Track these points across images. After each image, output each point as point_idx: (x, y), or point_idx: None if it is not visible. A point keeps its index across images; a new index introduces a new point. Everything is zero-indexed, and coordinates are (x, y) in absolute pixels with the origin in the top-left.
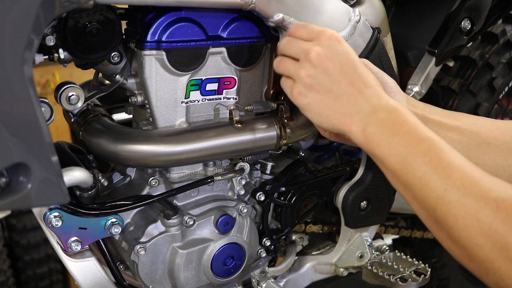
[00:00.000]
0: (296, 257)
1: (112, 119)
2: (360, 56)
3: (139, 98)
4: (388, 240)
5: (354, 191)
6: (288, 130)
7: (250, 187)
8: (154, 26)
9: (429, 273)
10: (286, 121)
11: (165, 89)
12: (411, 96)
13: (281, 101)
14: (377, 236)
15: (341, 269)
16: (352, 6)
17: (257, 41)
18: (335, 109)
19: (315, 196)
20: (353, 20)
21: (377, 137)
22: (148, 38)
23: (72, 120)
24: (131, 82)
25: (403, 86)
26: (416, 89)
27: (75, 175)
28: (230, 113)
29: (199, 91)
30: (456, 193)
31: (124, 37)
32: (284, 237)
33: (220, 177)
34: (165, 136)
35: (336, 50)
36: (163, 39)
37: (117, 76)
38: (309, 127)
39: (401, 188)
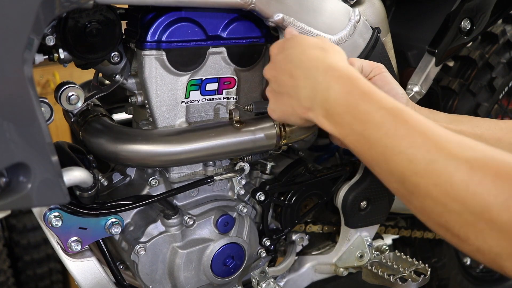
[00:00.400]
0: (296, 257)
1: (112, 119)
2: (360, 56)
3: (139, 98)
4: (388, 240)
5: (354, 191)
6: (288, 130)
7: (250, 187)
8: (154, 26)
9: (429, 273)
10: None
11: (165, 89)
12: (411, 96)
13: None
14: (377, 236)
15: (341, 269)
16: (352, 6)
17: (257, 41)
18: (292, 105)
19: (315, 196)
20: (353, 20)
21: (332, 114)
22: (148, 38)
23: (72, 120)
24: (131, 82)
25: (403, 86)
26: (416, 89)
27: (75, 175)
28: (230, 113)
29: (199, 91)
30: (422, 162)
31: (124, 37)
32: (284, 237)
33: (220, 177)
34: (165, 136)
35: (279, 58)
36: (163, 39)
37: (117, 76)
38: (309, 127)
39: (368, 165)
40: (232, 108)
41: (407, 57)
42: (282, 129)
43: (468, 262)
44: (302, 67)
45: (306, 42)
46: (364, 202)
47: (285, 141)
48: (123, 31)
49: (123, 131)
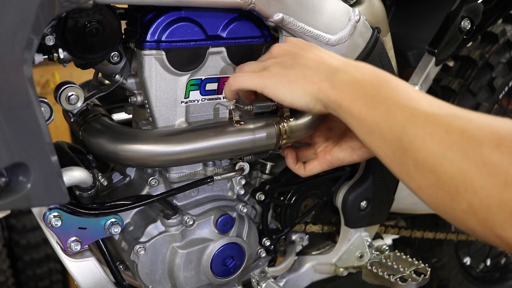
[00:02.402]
0: (296, 257)
1: (111, 119)
2: (360, 55)
3: (139, 98)
4: (388, 240)
5: (354, 191)
6: (288, 130)
7: (250, 187)
8: (154, 26)
9: (429, 273)
10: (286, 120)
11: (165, 89)
12: None
13: None
14: (377, 236)
15: (341, 269)
16: (352, 6)
17: (257, 41)
18: (304, 73)
19: (315, 196)
20: (353, 19)
21: (344, 83)
22: (148, 38)
23: (72, 120)
24: (130, 82)
25: None
26: (416, 88)
27: (75, 175)
28: (230, 112)
29: (198, 91)
30: (423, 114)
31: (123, 37)
32: (284, 237)
33: (220, 177)
34: (164, 136)
35: (293, 41)
36: (163, 38)
37: (117, 76)
38: (310, 126)
39: (366, 132)
40: (231, 108)
41: (407, 57)
42: (282, 129)
43: (468, 262)
44: (326, 54)
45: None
46: (364, 202)
47: (285, 141)
48: (122, 31)
49: (122, 131)
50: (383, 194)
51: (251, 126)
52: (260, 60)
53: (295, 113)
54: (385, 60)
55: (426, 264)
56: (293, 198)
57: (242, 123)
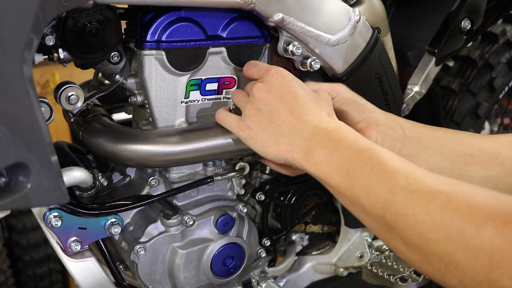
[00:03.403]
0: (296, 257)
1: (111, 119)
2: (360, 55)
3: (139, 98)
4: None
5: None
6: None
7: (250, 187)
8: (154, 26)
9: None
10: None
11: (165, 89)
12: (411, 96)
13: None
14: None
15: (341, 269)
16: (352, 6)
17: (257, 41)
18: (277, 138)
19: (315, 196)
20: (353, 19)
21: (318, 158)
22: (148, 38)
23: (72, 120)
24: (130, 82)
25: (403, 86)
26: (416, 89)
27: (75, 175)
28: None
29: (199, 91)
30: (402, 192)
31: (123, 37)
32: (284, 237)
33: (220, 177)
34: (164, 136)
35: (277, 83)
36: (163, 39)
37: (117, 76)
38: None
39: (349, 204)
40: (231, 108)
41: (407, 57)
42: None
43: None
44: (303, 109)
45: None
46: None
47: None
48: (122, 31)
49: (122, 131)
50: None
51: None
52: (246, 89)
53: None
54: (385, 60)
55: None
56: (293, 198)
57: None
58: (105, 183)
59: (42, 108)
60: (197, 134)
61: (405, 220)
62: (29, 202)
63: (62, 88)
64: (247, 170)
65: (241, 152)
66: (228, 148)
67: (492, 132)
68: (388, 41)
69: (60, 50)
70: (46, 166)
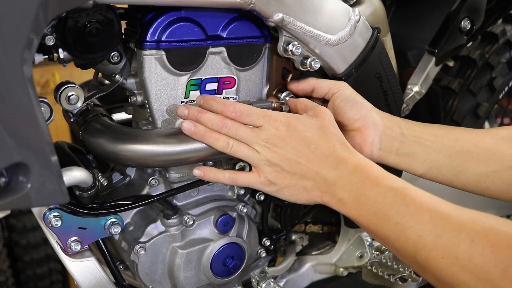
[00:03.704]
0: (296, 257)
1: (111, 119)
2: (360, 55)
3: (139, 98)
4: None
5: None
6: None
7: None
8: (154, 26)
9: None
10: None
11: (165, 89)
12: (411, 96)
13: (282, 101)
14: None
15: (341, 269)
16: (352, 5)
17: (257, 41)
18: (304, 186)
19: None
20: (352, 19)
21: (346, 202)
22: (148, 38)
23: (72, 120)
24: (130, 82)
25: (403, 86)
26: (416, 89)
27: (75, 175)
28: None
29: (198, 91)
30: (430, 235)
31: (123, 37)
32: (284, 237)
33: None
34: (165, 136)
35: (286, 135)
36: (163, 38)
37: (117, 76)
38: None
39: (381, 242)
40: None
41: (407, 57)
42: None
43: None
44: (318, 154)
45: (314, 124)
46: None
47: None
48: (122, 31)
49: (122, 131)
50: None
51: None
52: (256, 136)
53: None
54: (385, 60)
55: None
56: None
57: None
58: (105, 183)
59: (42, 108)
60: None
61: (435, 262)
62: (29, 202)
63: (62, 88)
64: (247, 169)
65: None
66: None
67: None
68: (388, 41)
69: (60, 50)
70: (46, 166)
